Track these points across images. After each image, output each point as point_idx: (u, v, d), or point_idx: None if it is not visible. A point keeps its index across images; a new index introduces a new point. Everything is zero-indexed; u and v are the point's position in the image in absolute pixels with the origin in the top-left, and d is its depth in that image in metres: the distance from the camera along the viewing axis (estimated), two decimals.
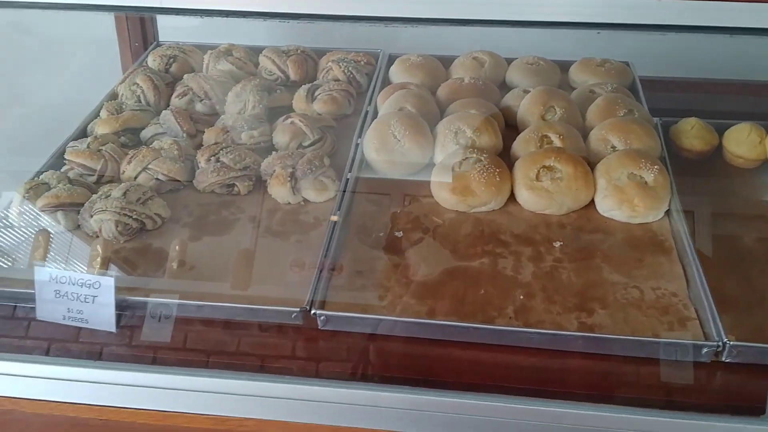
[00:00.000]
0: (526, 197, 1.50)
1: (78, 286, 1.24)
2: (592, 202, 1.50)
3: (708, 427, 1.08)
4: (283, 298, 1.28)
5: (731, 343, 1.15)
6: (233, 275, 1.35)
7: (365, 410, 1.10)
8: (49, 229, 1.42)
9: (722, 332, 1.16)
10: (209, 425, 1.13)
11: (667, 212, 1.47)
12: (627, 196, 1.45)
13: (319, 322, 1.24)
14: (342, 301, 1.28)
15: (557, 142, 1.57)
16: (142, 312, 1.26)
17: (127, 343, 1.21)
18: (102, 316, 1.24)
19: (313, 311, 1.23)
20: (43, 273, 1.26)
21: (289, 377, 1.13)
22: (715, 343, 1.15)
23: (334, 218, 1.43)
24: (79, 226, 1.46)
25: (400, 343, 1.22)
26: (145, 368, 1.15)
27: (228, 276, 1.35)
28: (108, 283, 1.23)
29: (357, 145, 1.67)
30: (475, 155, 1.53)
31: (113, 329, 1.23)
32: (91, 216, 1.43)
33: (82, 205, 1.46)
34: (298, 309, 1.23)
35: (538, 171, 1.50)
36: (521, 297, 1.29)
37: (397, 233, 1.45)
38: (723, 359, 1.16)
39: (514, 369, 1.18)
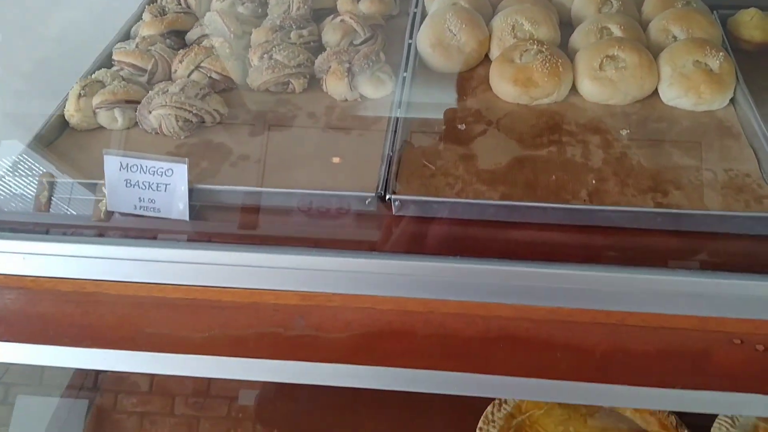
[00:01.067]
0: (589, 88, 1.47)
1: (150, 174, 1.22)
2: (656, 92, 1.48)
3: None
4: (353, 186, 1.27)
5: None
6: (302, 165, 1.34)
7: (455, 283, 1.10)
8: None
9: None
10: (296, 301, 1.13)
11: (731, 100, 1.46)
12: (693, 84, 1.42)
13: (393, 208, 1.23)
14: (413, 189, 1.27)
15: (618, 32, 1.53)
16: (213, 201, 1.25)
17: (204, 228, 1.20)
18: (175, 204, 1.22)
19: (388, 196, 1.22)
20: (113, 161, 1.23)
21: (376, 253, 1.13)
22: None
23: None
24: (136, 123, 1.44)
25: (477, 227, 1.22)
26: (230, 247, 1.13)
27: (295, 167, 1.33)
28: (181, 170, 1.21)
29: (409, 45, 1.63)
30: (535, 47, 1.50)
31: (186, 218, 1.22)
32: (150, 112, 1.40)
33: (139, 102, 1.43)
34: (373, 194, 1.23)
35: (602, 61, 1.46)
36: (593, 181, 1.28)
37: (459, 126, 1.43)
38: None
39: (594, 248, 1.17)
